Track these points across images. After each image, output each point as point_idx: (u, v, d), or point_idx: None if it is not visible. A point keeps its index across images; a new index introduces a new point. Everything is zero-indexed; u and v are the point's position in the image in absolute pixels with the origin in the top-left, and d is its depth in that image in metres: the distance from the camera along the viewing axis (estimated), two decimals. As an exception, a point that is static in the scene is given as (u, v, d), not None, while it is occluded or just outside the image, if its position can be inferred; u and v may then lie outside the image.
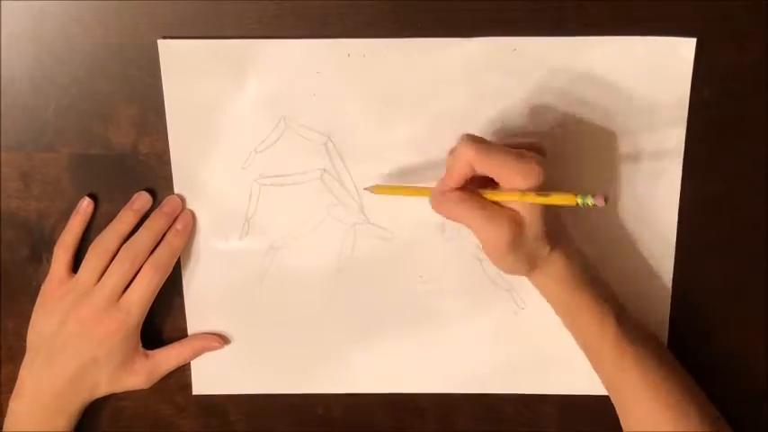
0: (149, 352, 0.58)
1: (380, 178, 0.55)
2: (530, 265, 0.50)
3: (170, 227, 0.56)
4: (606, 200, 0.44)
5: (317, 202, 0.56)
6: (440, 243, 0.57)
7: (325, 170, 0.56)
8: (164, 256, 0.55)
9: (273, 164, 0.55)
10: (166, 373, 0.58)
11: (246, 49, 0.53)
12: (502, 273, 0.57)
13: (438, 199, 0.50)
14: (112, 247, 0.55)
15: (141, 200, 0.56)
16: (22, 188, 0.57)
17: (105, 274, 0.55)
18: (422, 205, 0.56)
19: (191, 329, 0.59)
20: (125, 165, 0.56)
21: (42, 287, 0.57)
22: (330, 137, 0.55)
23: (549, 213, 0.49)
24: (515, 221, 0.48)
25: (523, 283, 0.57)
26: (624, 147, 0.55)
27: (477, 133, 0.54)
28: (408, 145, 0.55)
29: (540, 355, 0.59)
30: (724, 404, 0.59)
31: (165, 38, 0.53)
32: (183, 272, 0.58)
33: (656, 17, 0.53)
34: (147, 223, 0.56)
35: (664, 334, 0.58)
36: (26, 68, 0.55)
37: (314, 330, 0.59)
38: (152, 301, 0.56)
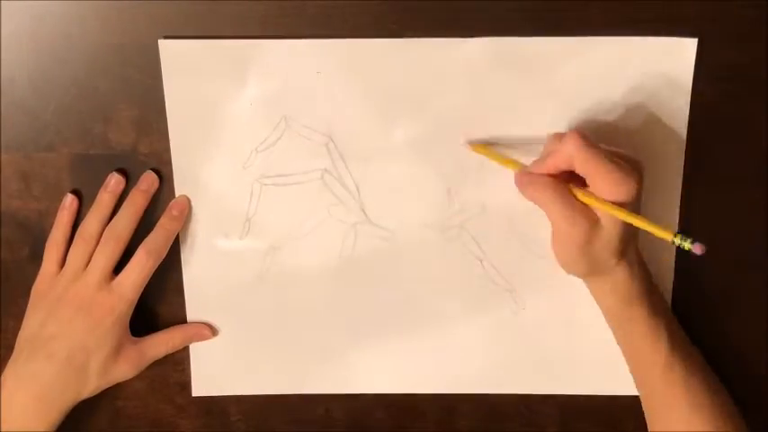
0: (137, 339, 0.57)
1: (381, 178, 0.56)
2: (591, 271, 0.50)
3: (166, 211, 0.56)
4: (704, 251, 0.44)
5: (317, 201, 0.56)
6: (440, 243, 0.57)
7: (325, 170, 0.56)
8: (158, 241, 0.55)
9: (274, 164, 0.55)
10: (154, 359, 0.58)
11: (247, 49, 0.53)
12: (502, 273, 0.57)
13: (526, 178, 0.50)
14: (96, 231, 0.55)
15: (114, 180, 0.56)
16: (22, 188, 0.57)
17: (92, 258, 0.55)
18: (422, 205, 0.56)
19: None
20: (125, 165, 0.56)
21: (34, 286, 0.57)
22: (331, 137, 0.55)
23: (628, 230, 0.49)
24: (595, 226, 0.48)
25: (524, 284, 0.57)
26: (625, 147, 0.55)
27: (477, 134, 0.54)
28: (409, 145, 0.55)
29: (540, 355, 0.59)
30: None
31: (165, 38, 0.53)
32: (183, 271, 0.58)
33: (657, 17, 0.53)
34: (125, 203, 0.55)
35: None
36: (26, 68, 0.55)
37: (314, 330, 0.59)
38: (144, 285, 0.55)
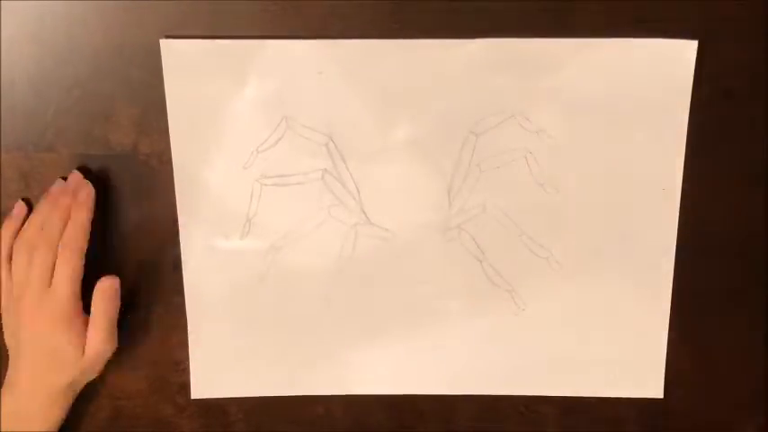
0: (85, 316, 0.55)
1: (381, 178, 0.55)
2: None
3: (73, 202, 0.55)
4: None
5: (318, 202, 0.56)
6: (440, 244, 0.57)
7: (326, 170, 0.56)
8: (72, 233, 0.54)
9: (275, 164, 0.55)
10: (111, 321, 0.55)
11: (248, 49, 0.53)
12: (502, 274, 0.57)
13: None
14: (34, 238, 0.54)
15: (56, 190, 0.55)
16: (22, 188, 0.57)
17: (29, 267, 0.54)
18: (422, 206, 0.56)
19: (191, 329, 0.59)
20: (125, 165, 0.56)
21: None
22: (331, 137, 0.55)
23: None
24: None
25: (524, 284, 0.57)
26: (625, 148, 0.55)
27: (477, 134, 0.54)
28: (409, 145, 0.55)
29: (540, 356, 0.59)
30: (723, 404, 0.59)
31: (167, 38, 0.53)
32: (183, 271, 0.58)
33: (656, 17, 0.53)
34: (50, 203, 0.55)
35: (664, 333, 0.58)
36: (27, 69, 0.55)
37: (314, 331, 0.59)
38: (79, 279, 0.54)
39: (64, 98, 0.55)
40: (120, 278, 0.55)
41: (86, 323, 0.55)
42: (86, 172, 0.56)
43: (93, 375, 0.57)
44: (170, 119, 0.55)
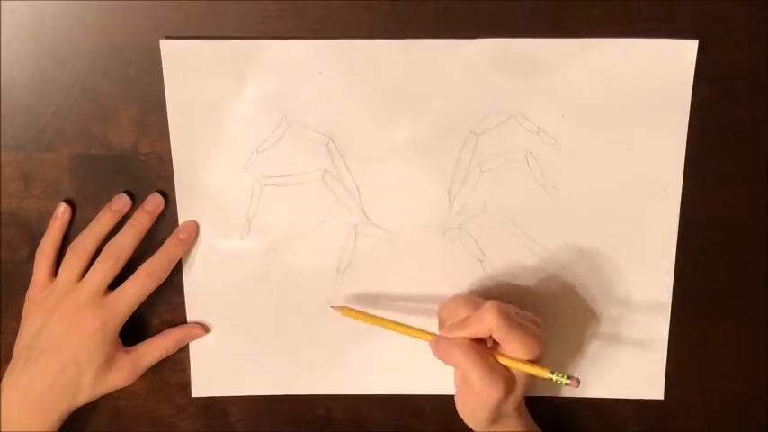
0: (130, 348, 0.57)
1: (382, 179, 0.56)
2: (493, 422, 0.53)
3: (172, 235, 0.56)
4: (578, 384, 0.49)
5: (318, 202, 0.56)
6: (441, 244, 0.57)
7: (326, 170, 0.56)
8: (160, 263, 0.56)
9: (275, 164, 0.55)
10: (149, 365, 0.58)
11: (248, 49, 0.53)
12: (502, 274, 0.57)
13: (442, 344, 0.52)
14: (91, 247, 0.55)
15: (120, 201, 0.56)
16: (22, 188, 0.57)
17: (89, 272, 0.55)
18: (423, 206, 0.56)
19: (191, 323, 0.59)
20: (125, 165, 0.56)
21: (27, 295, 0.57)
22: (332, 137, 0.55)
23: (529, 383, 0.52)
24: (511, 382, 0.51)
25: (524, 285, 0.57)
26: (625, 148, 0.55)
27: (477, 134, 0.54)
28: (409, 146, 0.55)
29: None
30: (724, 404, 0.59)
31: (167, 38, 0.53)
32: (183, 271, 0.58)
33: (656, 17, 0.53)
34: (129, 222, 0.56)
35: (664, 333, 0.58)
36: (27, 69, 0.55)
37: (314, 331, 0.59)
38: (138, 305, 0.56)
39: (64, 98, 0.55)
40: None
41: (120, 348, 0.56)
42: (165, 198, 0.57)
43: (88, 402, 0.56)
44: (170, 119, 0.55)
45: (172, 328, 0.58)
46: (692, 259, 0.57)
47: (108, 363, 0.55)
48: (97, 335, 0.54)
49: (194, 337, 0.58)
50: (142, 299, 0.55)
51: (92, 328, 0.54)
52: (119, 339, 0.56)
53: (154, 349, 0.57)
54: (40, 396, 0.54)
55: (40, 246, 0.56)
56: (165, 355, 0.58)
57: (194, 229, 0.56)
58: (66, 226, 0.57)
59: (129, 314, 0.56)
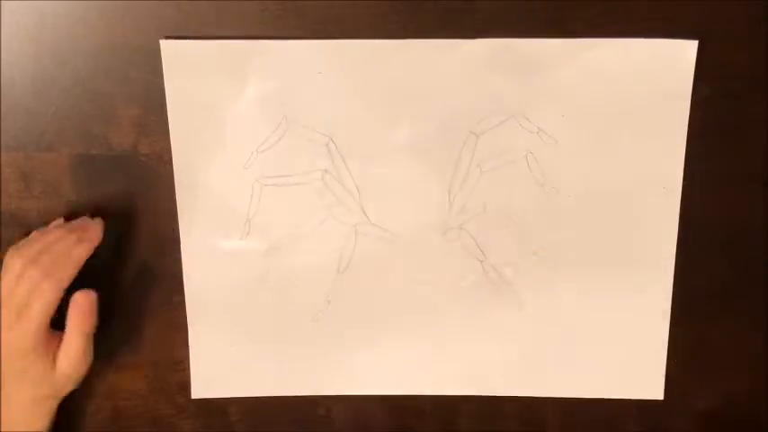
0: (56, 333, 0.54)
1: (382, 179, 0.56)
2: None
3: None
4: None
5: (318, 202, 0.56)
6: (441, 244, 0.57)
7: (326, 171, 0.56)
8: (63, 265, 0.53)
9: (275, 164, 0.55)
10: (82, 348, 0.54)
11: (249, 49, 0.53)
12: (502, 274, 0.57)
13: None
14: (31, 257, 0.53)
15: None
16: (22, 188, 0.57)
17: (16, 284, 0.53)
18: (423, 206, 0.56)
19: (191, 329, 0.59)
20: (125, 165, 0.56)
21: None
22: (332, 137, 0.55)
23: None
24: None
25: (524, 285, 0.57)
26: (625, 148, 0.55)
27: (477, 134, 0.54)
28: (409, 146, 0.55)
29: (540, 356, 0.59)
30: (724, 403, 0.59)
31: (167, 38, 0.53)
32: (183, 271, 0.58)
33: (656, 17, 0.53)
34: (63, 230, 0.54)
35: (664, 333, 0.58)
36: (27, 69, 0.55)
37: (314, 331, 0.59)
38: (53, 310, 0.53)
39: (64, 98, 0.55)
40: (120, 278, 0.55)
41: (58, 339, 0.54)
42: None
43: (69, 389, 0.55)
44: (170, 119, 0.55)
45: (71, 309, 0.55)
46: (692, 259, 0.57)
47: (47, 353, 0.53)
48: (17, 344, 0.53)
49: (87, 301, 0.54)
50: (52, 308, 0.52)
51: (14, 340, 0.52)
52: (48, 333, 0.53)
53: (70, 326, 0.54)
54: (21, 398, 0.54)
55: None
56: (88, 330, 0.54)
57: (99, 229, 0.55)
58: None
59: (45, 324, 0.52)
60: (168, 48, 0.53)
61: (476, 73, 0.54)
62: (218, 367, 0.59)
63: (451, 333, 0.58)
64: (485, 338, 0.58)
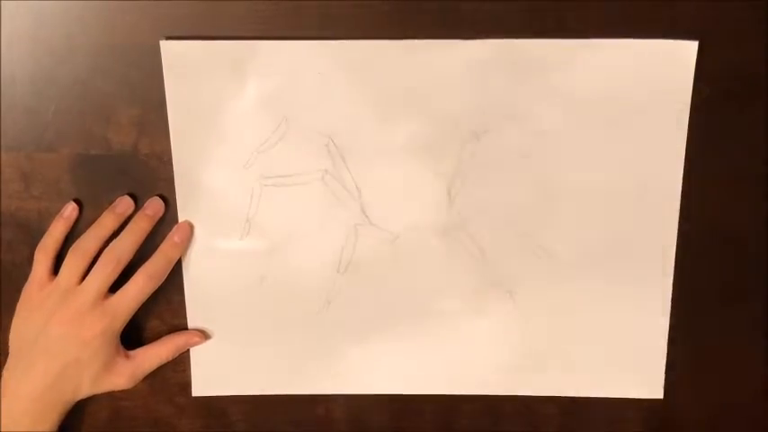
0: (130, 352, 0.57)
1: (382, 179, 0.56)
2: None
3: (167, 237, 0.56)
4: None
5: (318, 202, 0.56)
6: (441, 244, 0.57)
7: (326, 171, 0.56)
8: (158, 266, 0.56)
9: (275, 164, 0.55)
10: (149, 371, 0.58)
11: (248, 49, 0.53)
12: (502, 273, 0.57)
13: None
14: (92, 249, 0.55)
15: (123, 204, 0.56)
16: (22, 188, 0.57)
17: (89, 276, 0.55)
18: (423, 206, 0.56)
19: (191, 329, 0.59)
20: (125, 165, 0.56)
21: (23, 290, 0.56)
22: (332, 137, 0.55)
23: None
24: None
25: (524, 284, 0.57)
26: (625, 148, 0.55)
27: (478, 134, 0.54)
28: (409, 146, 0.55)
29: (540, 356, 0.59)
30: (724, 404, 0.59)
31: (167, 38, 0.53)
32: (183, 271, 0.58)
33: (656, 17, 0.53)
34: (129, 226, 0.56)
35: (664, 333, 0.58)
36: (27, 69, 0.55)
37: (314, 331, 0.59)
38: (138, 307, 0.56)
39: (64, 98, 0.55)
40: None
41: (120, 352, 0.56)
42: (165, 202, 0.57)
43: (89, 395, 0.57)
44: (170, 119, 0.55)
45: (172, 335, 0.58)
46: (692, 259, 0.57)
47: (108, 366, 0.55)
48: (98, 339, 0.54)
49: (193, 345, 0.59)
50: (142, 301, 0.55)
51: (92, 332, 0.54)
52: (119, 343, 0.56)
53: (153, 356, 0.58)
54: (39, 396, 0.54)
55: (41, 243, 0.56)
56: (164, 362, 0.58)
57: (189, 230, 0.56)
58: (71, 226, 0.56)
59: (130, 317, 0.55)
60: (168, 48, 0.53)
61: (476, 73, 0.54)
62: (218, 367, 0.59)
63: (451, 333, 0.58)
64: (485, 338, 0.58)
